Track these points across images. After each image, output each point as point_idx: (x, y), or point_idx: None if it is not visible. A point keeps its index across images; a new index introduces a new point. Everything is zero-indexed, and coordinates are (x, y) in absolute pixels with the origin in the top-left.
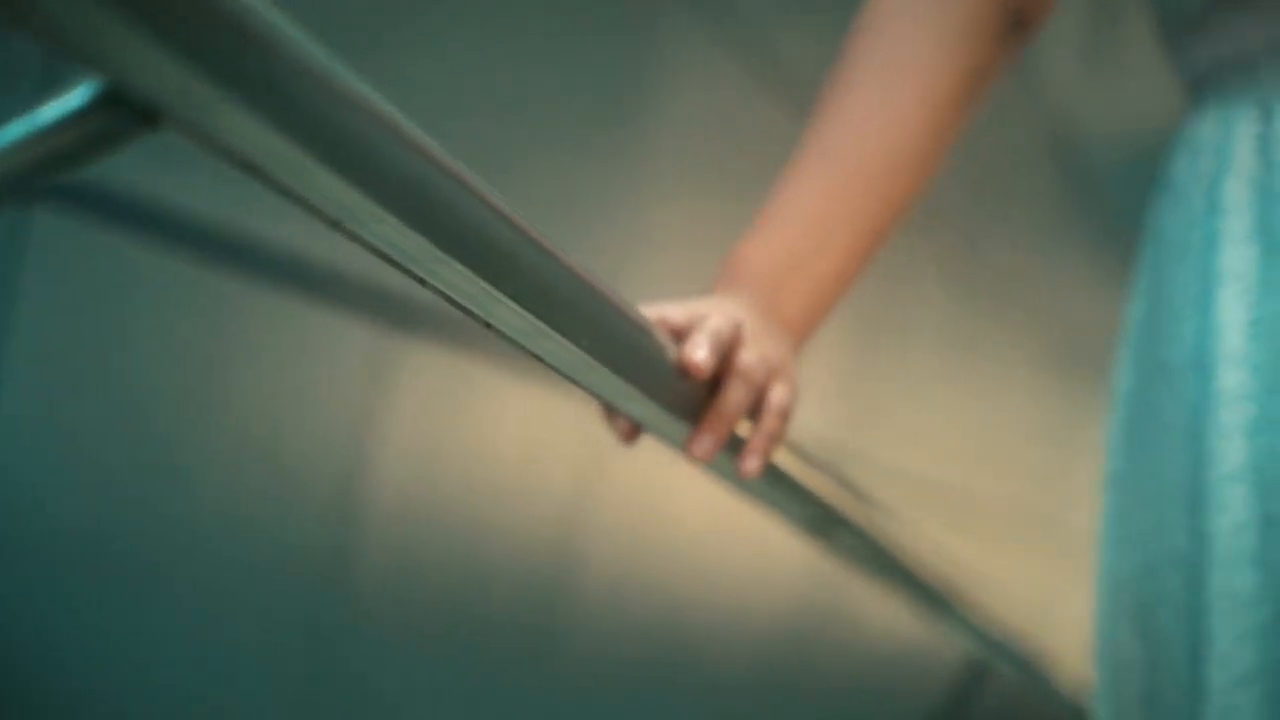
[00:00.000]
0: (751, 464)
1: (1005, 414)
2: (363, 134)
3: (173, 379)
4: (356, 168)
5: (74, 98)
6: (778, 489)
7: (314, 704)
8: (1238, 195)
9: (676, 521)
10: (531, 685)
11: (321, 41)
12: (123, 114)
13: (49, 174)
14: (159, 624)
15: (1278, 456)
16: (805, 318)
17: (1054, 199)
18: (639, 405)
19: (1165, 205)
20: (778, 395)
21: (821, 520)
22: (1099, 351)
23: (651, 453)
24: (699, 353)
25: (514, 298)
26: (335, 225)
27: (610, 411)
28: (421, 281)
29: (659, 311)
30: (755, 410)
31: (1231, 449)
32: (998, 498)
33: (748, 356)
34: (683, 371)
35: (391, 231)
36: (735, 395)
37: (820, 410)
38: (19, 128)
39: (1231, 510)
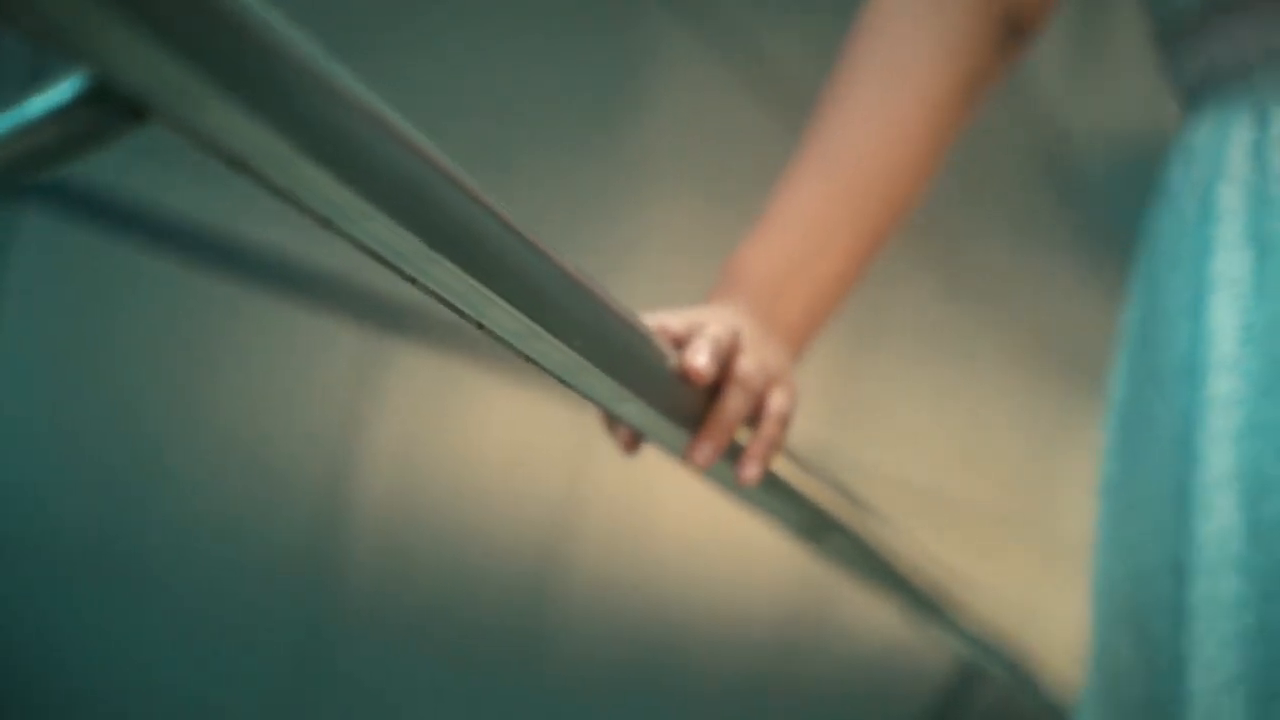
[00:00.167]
0: (751, 471)
1: (993, 418)
2: (354, 130)
3: (160, 380)
4: (348, 164)
5: (60, 92)
6: (770, 493)
7: (304, 705)
8: (1231, 201)
9: (664, 525)
10: (519, 688)
11: (318, 40)
12: (110, 109)
13: (34, 170)
14: (152, 623)
15: (1265, 462)
16: (805, 323)
17: (1042, 203)
18: (634, 407)
19: (1160, 211)
20: (777, 402)
21: (813, 525)
22: (1087, 355)
23: (639, 456)
24: (699, 358)
25: (507, 298)
26: (325, 223)
27: (611, 421)
28: (413, 281)
29: (658, 320)
30: (754, 417)
31: (1219, 454)
32: (984, 501)
33: (746, 364)
34: (684, 378)
35: (382, 230)
36: (734, 402)
37: (807, 413)
38: (3, 123)
39: (1217, 516)
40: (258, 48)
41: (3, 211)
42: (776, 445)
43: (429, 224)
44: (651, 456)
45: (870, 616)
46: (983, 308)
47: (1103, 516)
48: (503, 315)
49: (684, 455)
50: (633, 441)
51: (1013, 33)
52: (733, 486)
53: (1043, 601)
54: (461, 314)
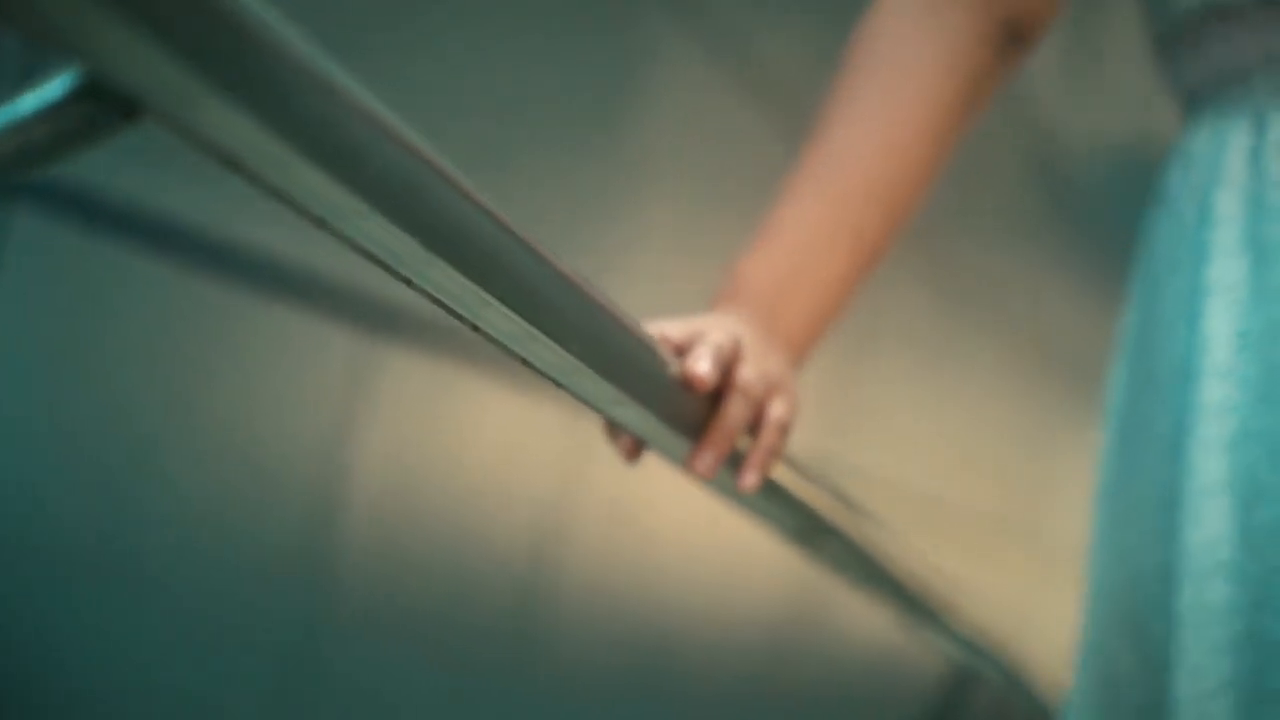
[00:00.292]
0: (751, 478)
1: (987, 423)
2: (350, 129)
3: (153, 382)
4: (343, 164)
5: (52, 88)
6: (766, 498)
7: (298, 705)
8: (1228, 207)
9: (658, 527)
10: (513, 690)
11: (317, 40)
12: (102, 106)
13: (26, 168)
14: (147, 624)
15: (1260, 469)
16: (806, 330)
17: (1036, 208)
18: (630, 411)
19: (1159, 216)
20: (777, 410)
21: (809, 529)
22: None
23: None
24: (701, 365)
25: (502, 300)
26: (320, 223)
27: (613, 429)
28: (408, 282)
29: (659, 329)
30: (754, 426)
31: (1210, 461)
32: (979, 506)
33: (747, 372)
34: (686, 385)
35: (377, 230)
36: (736, 410)
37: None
38: None
39: (1207, 523)
40: (253, 45)
41: None
42: (777, 453)
43: (424, 224)
44: (645, 461)
45: (864, 620)
46: (977, 313)
47: (1100, 521)
48: (498, 317)
49: (685, 463)
50: (634, 450)
51: (1013, 39)
52: (729, 491)
53: (1037, 605)
54: (456, 315)
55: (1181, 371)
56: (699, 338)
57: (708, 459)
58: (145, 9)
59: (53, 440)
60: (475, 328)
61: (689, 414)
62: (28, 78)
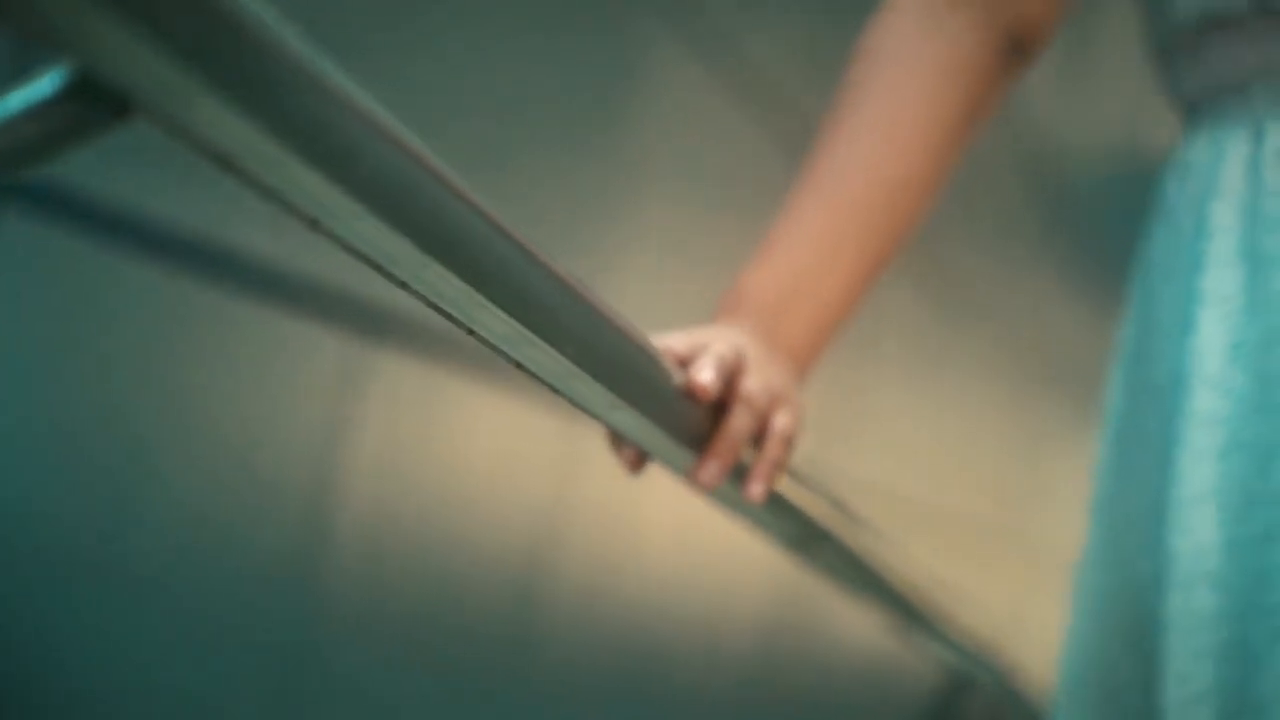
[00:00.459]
0: (757, 489)
1: (980, 430)
2: (345, 129)
3: (144, 385)
4: (337, 164)
5: (41, 86)
6: (762, 506)
7: (292, 709)
8: (1224, 217)
9: (649, 534)
10: (505, 696)
11: (315, 40)
12: (93, 104)
13: (14, 168)
14: (143, 625)
15: (1243, 480)
16: (809, 342)
17: (1030, 218)
18: (627, 415)
19: (1157, 226)
20: (781, 422)
21: (805, 537)
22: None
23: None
24: (705, 374)
25: (498, 303)
26: (314, 224)
27: (616, 440)
28: (402, 285)
29: (662, 342)
30: (758, 437)
31: (1199, 471)
32: (971, 512)
33: (751, 384)
34: (689, 394)
35: (372, 231)
36: (740, 422)
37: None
38: None
39: (1194, 531)
40: (246, 42)
41: None
42: (781, 465)
43: (420, 226)
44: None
45: (857, 626)
46: (970, 322)
47: (1098, 528)
48: (494, 320)
49: (689, 475)
50: (638, 460)
51: (1015, 49)
52: (728, 500)
53: (1031, 611)
54: (452, 319)
55: (1174, 380)
56: (702, 349)
57: (712, 470)
58: (138, 4)
59: (47, 442)
60: (470, 331)
61: (692, 425)
62: (16, 75)
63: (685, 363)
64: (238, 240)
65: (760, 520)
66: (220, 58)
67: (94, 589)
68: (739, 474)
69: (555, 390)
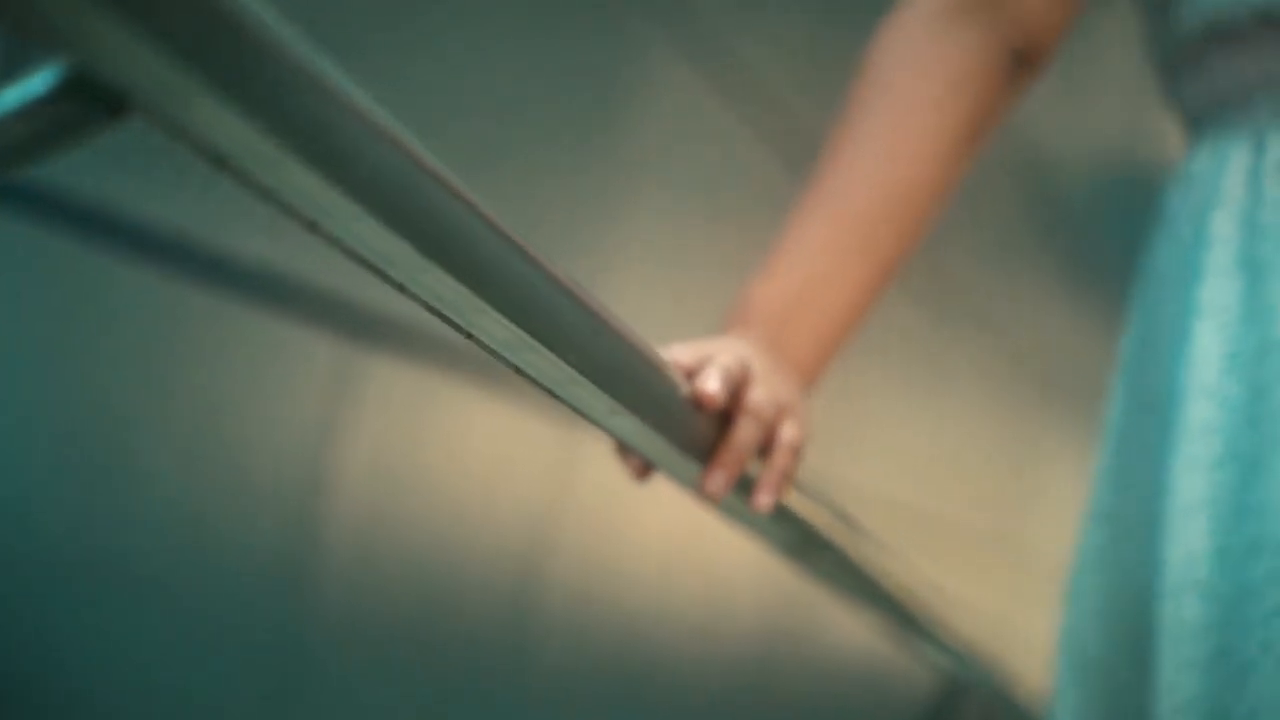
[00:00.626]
0: (765, 500)
1: (975, 438)
2: (344, 130)
3: (137, 386)
4: (336, 165)
5: (34, 84)
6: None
7: (293, 708)
8: (1224, 227)
9: (644, 539)
10: (497, 702)
11: (315, 40)
12: (88, 102)
13: (7, 167)
14: (144, 625)
15: (1235, 491)
16: (815, 354)
17: (1026, 228)
18: (626, 421)
19: (1159, 237)
20: (788, 433)
21: (802, 544)
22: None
23: (618, 470)
24: (711, 383)
25: (498, 306)
26: (311, 226)
27: (623, 449)
28: (400, 288)
29: (668, 353)
30: (765, 449)
31: (1191, 481)
32: (966, 518)
33: (757, 395)
34: (695, 404)
35: (370, 233)
36: (746, 433)
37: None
38: None
39: (1184, 541)
40: (244, 41)
41: None
42: (789, 475)
43: (418, 228)
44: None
45: (852, 632)
46: (966, 330)
47: (1099, 537)
48: (493, 324)
49: (695, 485)
50: (643, 469)
51: (1021, 62)
52: (728, 508)
53: (1026, 618)
54: (450, 322)
55: (1171, 391)
56: (708, 360)
57: (719, 480)
58: (134, 1)
59: (40, 443)
60: (469, 335)
61: (698, 436)
62: (10, 72)
63: (691, 374)
64: (232, 243)
65: (759, 528)
66: (218, 56)
67: (89, 589)
68: (743, 485)
69: (555, 396)
